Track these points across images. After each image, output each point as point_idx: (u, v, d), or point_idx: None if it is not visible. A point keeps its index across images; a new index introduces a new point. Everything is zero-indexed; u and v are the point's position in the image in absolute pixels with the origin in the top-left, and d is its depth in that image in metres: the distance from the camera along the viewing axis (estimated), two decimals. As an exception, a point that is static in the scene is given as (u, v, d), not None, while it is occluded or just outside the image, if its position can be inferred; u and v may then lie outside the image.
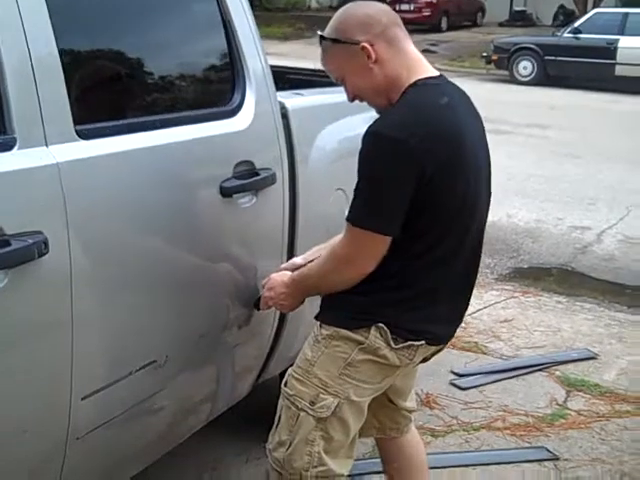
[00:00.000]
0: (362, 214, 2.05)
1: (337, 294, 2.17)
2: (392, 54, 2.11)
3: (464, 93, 2.24)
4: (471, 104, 2.24)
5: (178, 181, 2.21)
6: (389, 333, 2.11)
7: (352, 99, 2.22)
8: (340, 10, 2.19)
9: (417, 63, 2.15)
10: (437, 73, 2.17)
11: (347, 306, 2.16)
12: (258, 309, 2.50)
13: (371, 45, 2.09)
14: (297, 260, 2.46)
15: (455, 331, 2.33)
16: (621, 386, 3.96)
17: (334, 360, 2.16)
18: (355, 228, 2.06)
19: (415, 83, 2.10)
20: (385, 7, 2.20)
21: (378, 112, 2.18)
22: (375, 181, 2.02)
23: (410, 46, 2.17)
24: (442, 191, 2.04)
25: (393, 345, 2.12)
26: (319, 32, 2.19)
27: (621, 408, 3.73)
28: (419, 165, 1.98)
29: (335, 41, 2.14)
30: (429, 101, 2.08)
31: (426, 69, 2.15)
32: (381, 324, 2.11)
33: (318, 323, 2.22)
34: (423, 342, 2.16)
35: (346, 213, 2.10)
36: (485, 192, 2.22)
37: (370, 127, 2.03)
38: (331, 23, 2.17)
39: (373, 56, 2.09)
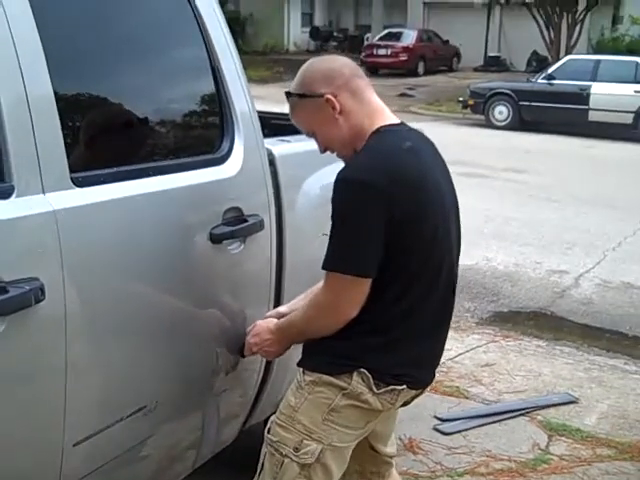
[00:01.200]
0: (337, 259, 2.07)
1: (319, 340, 2.18)
2: (355, 104, 2.17)
3: (426, 137, 2.29)
4: (434, 148, 2.29)
5: (170, 228, 2.24)
6: (371, 378, 2.12)
7: (323, 151, 2.28)
8: (304, 66, 2.26)
9: (378, 112, 2.21)
10: (398, 121, 2.23)
11: (329, 352, 2.17)
12: (243, 356, 2.51)
13: (335, 97, 2.15)
14: (282, 309, 2.49)
15: (434, 374, 2.34)
16: (602, 430, 3.97)
17: (318, 406, 2.17)
18: (332, 273, 2.08)
19: (378, 130, 2.15)
20: (346, 60, 2.27)
21: (345, 162, 2.21)
22: (347, 224, 2.05)
23: (372, 95, 2.23)
24: (409, 234, 2.07)
25: (375, 390, 2.13)
26: (285, 90, 2.25)
27: (602, 452, 3.74)
28: (388, 207, 2.02)
29: (301, 96, 2.20)
30: (392, 146, 2.13)
31: (387, 117, 2.21)
32: (363, 369, 2.12)
33: (301, 370, 2.23)
34: (404, 386, 2.18)
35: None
36: (454, 233, 2.26)
37: (339, 173, 2.07)
38: (296, 79, 2.24)
39: (337, 107, 2.15)
